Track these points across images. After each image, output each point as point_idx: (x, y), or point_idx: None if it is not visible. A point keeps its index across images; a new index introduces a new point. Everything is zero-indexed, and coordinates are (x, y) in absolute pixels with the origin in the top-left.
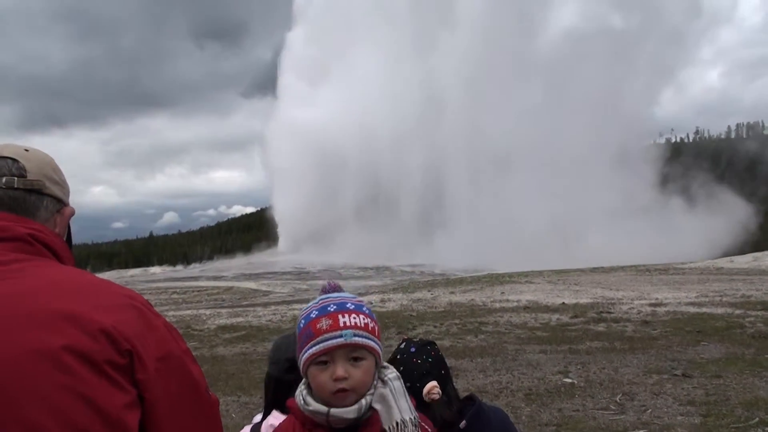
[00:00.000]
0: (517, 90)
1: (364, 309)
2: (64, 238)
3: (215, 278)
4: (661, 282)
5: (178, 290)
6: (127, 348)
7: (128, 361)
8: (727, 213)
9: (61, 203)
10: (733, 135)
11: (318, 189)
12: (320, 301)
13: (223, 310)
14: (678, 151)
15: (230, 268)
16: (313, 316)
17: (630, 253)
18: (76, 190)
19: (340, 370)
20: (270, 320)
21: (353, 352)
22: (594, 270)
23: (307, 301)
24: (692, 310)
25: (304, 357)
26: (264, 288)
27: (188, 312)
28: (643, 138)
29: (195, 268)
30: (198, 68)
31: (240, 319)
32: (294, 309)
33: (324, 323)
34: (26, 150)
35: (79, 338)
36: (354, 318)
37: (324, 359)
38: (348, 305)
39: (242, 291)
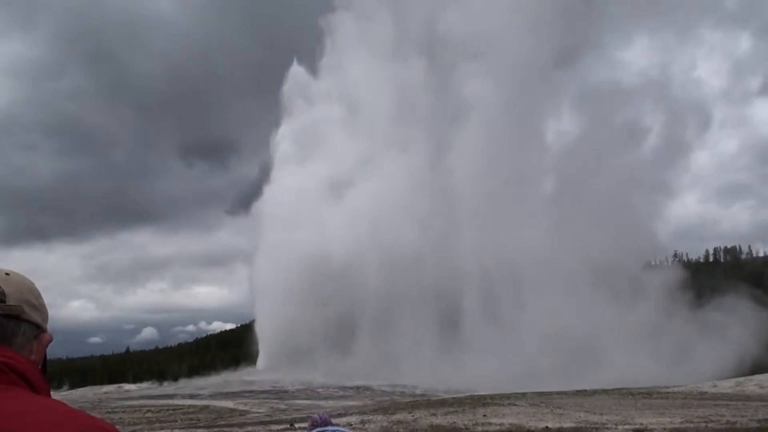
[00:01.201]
0: (529, 207)
1: None
2: (40, 366)
3: (191, 396)
4: (644, 406)
5: (152, 408)
6: None
7: None
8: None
9: (39, 329)
10: (711, 259)
11: (303, 306)
12: None
13: (199, 430)
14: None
15: (207, 386)
16: None
17: (644, 374)
18: (54, 304)
19: None
20: None
21: None
22: (577, 393)
23: (284, 422)
24: None
25: None
26: (241, 407)
27: None
28: (653, 255)
29: (171, 386)
30: (185, 185)
31: None
32: (270, 430)
33: None
34: (7, 274)
35: None
36: None
37: None
38: None
39: (218, 410)
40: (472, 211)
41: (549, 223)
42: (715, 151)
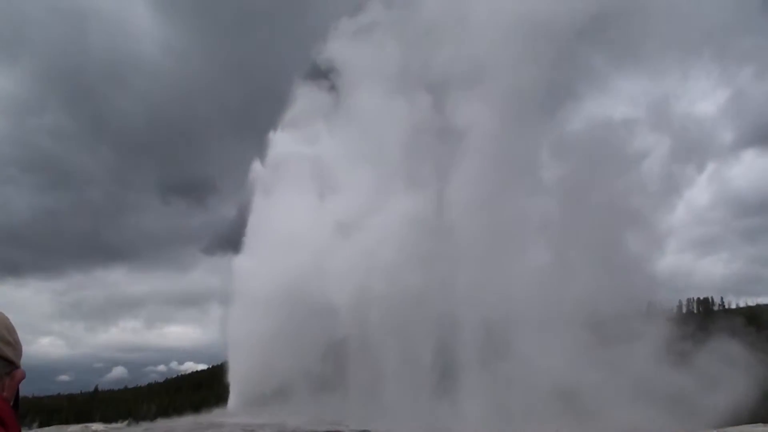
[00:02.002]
0: (525, 246)
1: None
2: (11, 402)
3: None
4: None
5: None
6: None
7: None
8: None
9: (12, 365)
10: (684, 310)
11: (278, 346)
12: None
13: None
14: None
15: (176, 427)
16: None
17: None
18: (23, 341)
19: None
20: None
21: None
22: None
23: None
24: None
25: None
26: None
27: None
28: (649, 300)
29: (139, 427)
30: (161, 223)
31: None
32: None
33: None
34: None
35: None
36: None
37: None
38: None
39: None
40: (469, 251)
41: (544, 265)
42: (690, 204)
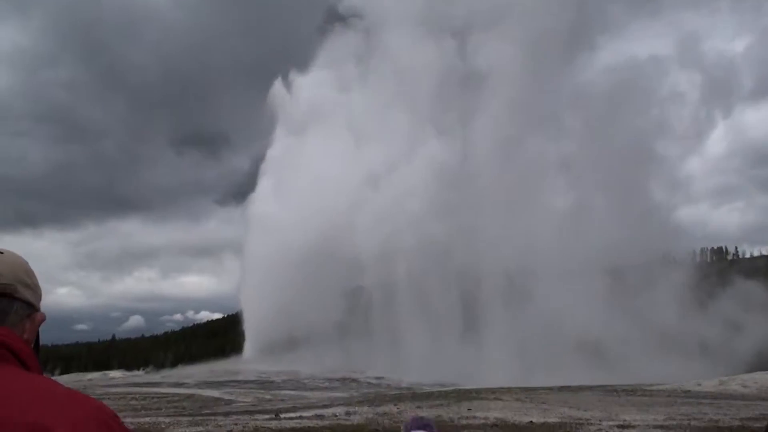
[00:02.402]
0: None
1: None
2: (32, 345)
3: (177, 385)
4: (628, 403)
5: (137, 396)
6: None
7: None
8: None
9: (32, 308)
10: (698, 259)
11: (293, 294)
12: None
13: (183, 419)
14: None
15: (193, 374)
16: None
17: (662, 372)
18: (41, 290)
19: None
20: (231, 430)
21: None
22: (561, 389)
23: (269, 411)
24: None
25: None
26: (226, 397)
27: (146, 420)
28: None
29: (157, 374)
30: (175, 174)
31: (200, 428)
32: (256, 419)
33: None
34: (1, 252)
35: None
36: None
37: None
38: None
39: (204, 399)
40: (491, 197)
41: (565, 211)
42: (705, 154)
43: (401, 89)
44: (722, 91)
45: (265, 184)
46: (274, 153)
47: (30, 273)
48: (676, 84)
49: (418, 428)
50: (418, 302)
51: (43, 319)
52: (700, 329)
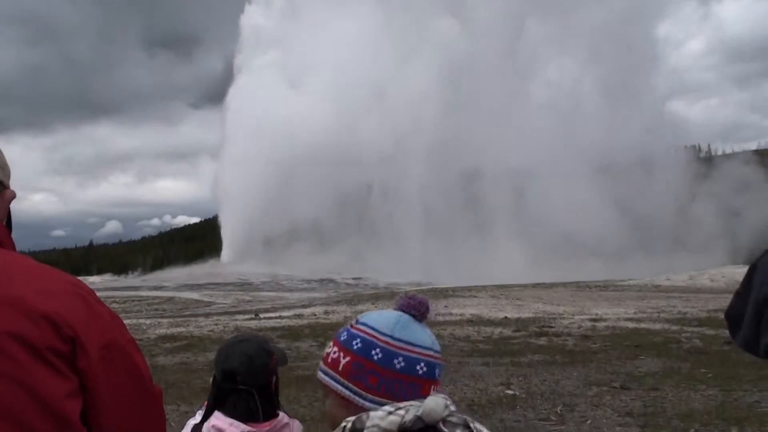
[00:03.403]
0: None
1: (342, 335)
2: (4, 222)
3: (156, 288)
4: (600, 298)
5: (117, 299)
6: (70, 335)
7: (70, 348)
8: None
9: (1, 186)
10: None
11: (269, 197)
12: (419, 351)
13: (164, 320)
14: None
15: (172, 278)
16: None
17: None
18: (15, 198)
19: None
20: (212, 330)
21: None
22: (535, 285)
23: (249, 312)
24: (631, 325)
25: None
26: (206, 299)
27: (128, 321)
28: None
29: (136, 278)
30: (148, 77)
31: (181, 329)
32: (236, 320)
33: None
34: None
35: (20, 323)
36: (329, 349)
37: None
38: (341, 334)
39: (184, 301)
40: (490, 86)
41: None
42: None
43: None
44: None
45: (244, 82)
46: (255, 41)
47: None
48: None
49: (410, 309)
50: (422, 204)
51: (13, 196)
52: (701, 220)
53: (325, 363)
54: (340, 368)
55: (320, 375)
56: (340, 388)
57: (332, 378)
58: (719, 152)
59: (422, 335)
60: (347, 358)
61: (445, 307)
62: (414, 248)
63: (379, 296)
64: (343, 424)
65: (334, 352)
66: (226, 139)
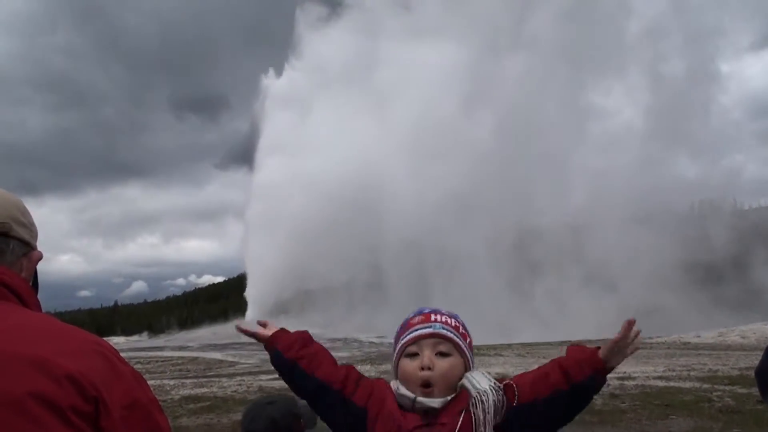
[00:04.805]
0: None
1: (458, 317)
2: (31, 283)
3: (180, 348)
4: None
5: (141, 360)
6: (93, 394)
7: (93, 407)
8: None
9: (28, 246)
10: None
11: (294, 256)
12: (418, 309)
13: (188, 381)
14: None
15: (196, 338)
16: (410, 316)
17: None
18: (43, 259)
19: (426, 359)
20: (235, 391)
21: (440, 345)
22: (563, 343)
23: (273, 372)
24: (660, 384)
25: (397, 348)
26: (230, 359)
27: (151, 382)
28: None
29: (160, 338)
30: (175, 139)
31: (205, 390)
32: (260, 380)
33: (417, 318)
34: None
35: (44, 384)
36: (445, 317)
37: (414, 350)
38: (442, 310)
39: (207, 361)
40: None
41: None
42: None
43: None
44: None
45: (267, 151)
46: (277, 117)
47: (25, 211)
48: None
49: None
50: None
51: (40, 257)
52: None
53: (456, 329)
54: (468, 342)
55: (454, 337)
56: (469, 355)
57: (466, 347)
58: (745, 206)
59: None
60: (469, 339)
61: None
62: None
63: None
64: (470, 378)
65: (463, 328)
66: (252, 200)
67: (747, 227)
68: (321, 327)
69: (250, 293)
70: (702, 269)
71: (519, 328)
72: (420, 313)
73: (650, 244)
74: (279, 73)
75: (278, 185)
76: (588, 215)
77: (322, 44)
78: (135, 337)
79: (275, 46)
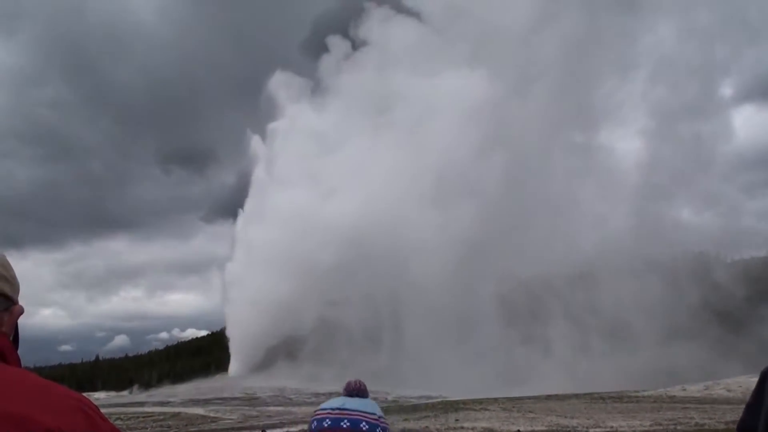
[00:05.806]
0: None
1: (313, 423)
2: (11, 338)
3: (162, 404)
4: (615, 410)
5: (122, 416)
6: None
7: None
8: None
9: (9, 301)
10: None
11: (277, 310)
12: (328, 411)
13: None
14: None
15: (178, 393)
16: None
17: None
18: (24, 312)
19: None
20: None
21: None
22: (548, 397)
23: (255, 428)
24: None
25: None
26: (212, 414)
27: None
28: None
29: (141, 393)
30: (161, 192)
31: None
32: None
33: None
34: None
35: None
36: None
37: None
38: (343, 422)
39: (189, 417)
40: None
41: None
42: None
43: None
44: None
45: (253, 203)
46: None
47: (6, 266)
48: None
49: (356, 391)
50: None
51: (21, 311)
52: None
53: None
54: None
55: None
56: None
57: None
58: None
59: (358, 404)
60: None
61: (456, 420)
62: (431, 359)
63: (389, 410)
64: None
65: None
66: (236, 250)
67: (752, 278)
68: (302, 381)
69: (232, 347)
70: (716, 317)
71: (533, 378)
72: (320, 427)
73: (661, 294)
74: (264, 136)
75: (262, 244)
76: (595, 264)
77: (345, 83)
78: (117, 393)
79: (259, 100)
